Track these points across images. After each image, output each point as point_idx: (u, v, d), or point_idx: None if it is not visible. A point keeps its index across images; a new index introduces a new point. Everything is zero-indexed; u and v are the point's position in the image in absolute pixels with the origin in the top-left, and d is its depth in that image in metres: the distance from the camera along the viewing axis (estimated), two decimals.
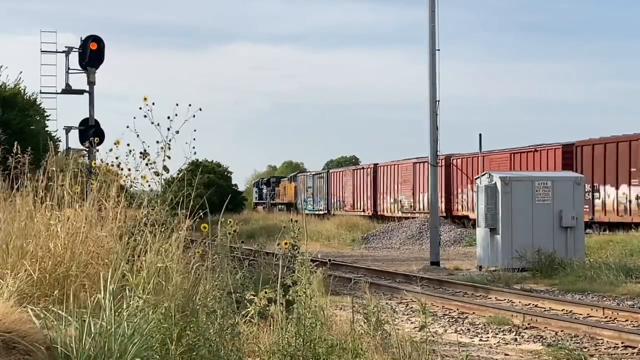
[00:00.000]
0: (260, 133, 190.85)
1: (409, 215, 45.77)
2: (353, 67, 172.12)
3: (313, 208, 60.90)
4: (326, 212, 57.57)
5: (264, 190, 78.38)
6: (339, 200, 57.09)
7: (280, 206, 71.95)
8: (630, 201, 32.23)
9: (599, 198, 33.91)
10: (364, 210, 52.42)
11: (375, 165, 52.67)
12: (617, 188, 32.96)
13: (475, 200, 25.52)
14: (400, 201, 48.56)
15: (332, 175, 59.73)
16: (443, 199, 40.91)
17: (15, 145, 8.78)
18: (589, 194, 32.81)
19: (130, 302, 5.96)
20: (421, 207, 45.46)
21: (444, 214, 41.77)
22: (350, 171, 57.09)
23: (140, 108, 7.30)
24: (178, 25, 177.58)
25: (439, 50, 26.98)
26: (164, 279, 6.50)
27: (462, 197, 42.89)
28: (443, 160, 41.00)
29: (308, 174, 67.27)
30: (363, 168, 55.04)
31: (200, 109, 7.29)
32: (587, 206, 29.68)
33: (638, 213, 31.62)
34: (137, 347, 5.50)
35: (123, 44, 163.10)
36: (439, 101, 26.91)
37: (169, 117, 7.28)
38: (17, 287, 6.88)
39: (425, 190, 42.51)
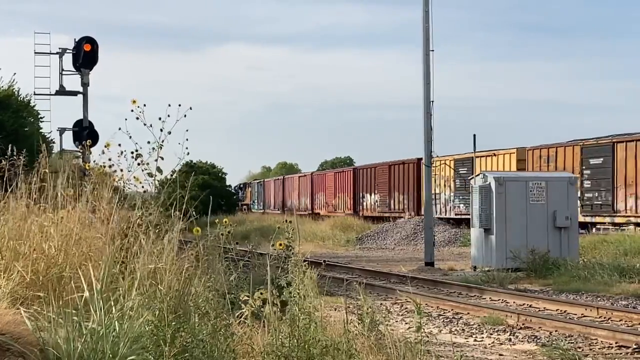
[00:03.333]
0: (255, 134, 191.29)
1: (301, 212, 60.31)
2: (348, 68, 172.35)
3: (256, 208, 77.40)
4: (262, 210, 73.52)
5: (240, 193, 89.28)
6: (268, 202, 74.39)
7: (244, 207, 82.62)
8: None
9: None
10: (278, 209, 69.33)
11: (284, 177, 73.32)
12: None
13: (470, 201, 25.54)
14: (290, 202, 67.26)
15: (265, 183, 77.96)
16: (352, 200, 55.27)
17: (10, 147, 8.77)
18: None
19: (124, 304, 5.95)
20: (302, 207, 63.23)
21: (351, 212, 53.77)
22: (272, 181, 76.04)
23: (132, 110, 7.29)
24: (173, 26, 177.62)
25: (433, 50, 27.00)
26: (156, 280, 6.49)
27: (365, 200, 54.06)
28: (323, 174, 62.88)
29: (256, 181, 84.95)
30: (278, 179, 74.34)
31: (191, 108, 7.29)
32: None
33: None
34: (130, 348, 5.49)
35: (117, 45, 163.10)
36: (433, 102, 26.92)
37: (160, 118, 7.27)
38: (11, 288, 6.87)
39: (303, 196, 64.15)
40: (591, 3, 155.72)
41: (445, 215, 42.62)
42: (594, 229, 31.15)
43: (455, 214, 41.49)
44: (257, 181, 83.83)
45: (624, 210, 30.67)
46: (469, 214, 34.37)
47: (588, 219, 31.85)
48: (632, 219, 30.11)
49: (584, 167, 32.60)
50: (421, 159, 47.94)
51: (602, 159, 31.83)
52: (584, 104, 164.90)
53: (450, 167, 41.27)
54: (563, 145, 34.45)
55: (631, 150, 30.41)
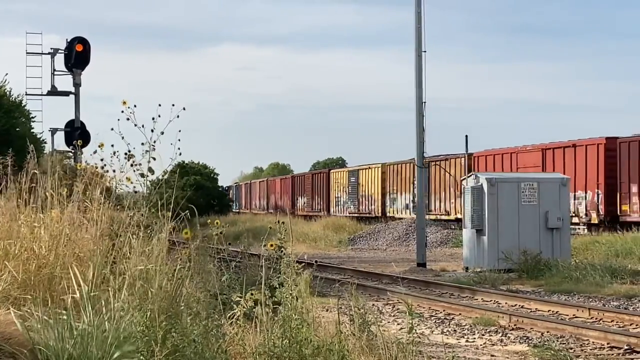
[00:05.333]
0: (248, 134, 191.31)
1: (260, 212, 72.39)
2: (340, 69, 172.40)
3: (234, 208, 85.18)
4: (238, 210, 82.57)
5: None
6: (241, 203, 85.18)
7: None
8: None
9: None
10: (247, 209, 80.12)
11: (252, 182, 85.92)
12: None
13: (462, 201, 25.57)
14: (254, 203, 79.18)
15: (240, 186, 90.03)
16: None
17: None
18: None
19: (114, 305, 5.93)
20: (261, 207, 75.72)
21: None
22: (243, 184, 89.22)
23: (122, 111, 7.27)
24: (165, 27, 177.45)
25: (425, 51, 26.99)
26: (147, 281, 6.47)
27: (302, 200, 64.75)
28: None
29: (234, 184, 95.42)
30: (247, 183, 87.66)
31: (184, 108, 7.27)
32: None
33: None
34: (120, 348, 5.47)
35: (109, 46, 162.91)
36: (425, 103, 26.92)
37: (153, 119, 7.25)
38: (1, 288, 6.84)
39: (262, 198, 76.55)
40: (582, 5, 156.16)
41: (343, 214, 54.12)
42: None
43: (349, 213, 53.09)
44: (235, 184, 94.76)
45: (434, 209, 43.45)
46: (357, 212, 51.94)
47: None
48: (439, 216, 42.95)
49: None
50: (331, 169, 60.56)
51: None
52: (576, 105, 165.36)
53: (345, 177, 55.01)
54: (406, 162, 45.51)
55: (434, 168, 42.43)
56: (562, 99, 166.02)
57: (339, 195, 55.87)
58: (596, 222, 33.25)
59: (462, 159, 40.80)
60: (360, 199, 52.13)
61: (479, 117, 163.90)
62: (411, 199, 44.78)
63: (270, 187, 74.16)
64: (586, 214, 33.73)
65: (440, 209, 43.23)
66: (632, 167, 31.55)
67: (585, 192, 33.70)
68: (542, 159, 35.41)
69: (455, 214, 40.53)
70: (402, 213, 46.23)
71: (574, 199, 32.99)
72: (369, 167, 51.28)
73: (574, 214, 32.25)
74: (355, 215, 51.55)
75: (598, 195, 33.16)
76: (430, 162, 40.52)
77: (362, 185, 51.78)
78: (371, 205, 50.59)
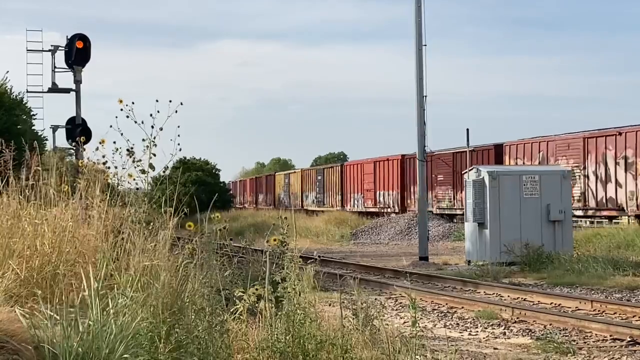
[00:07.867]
0: (249, 130, 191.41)
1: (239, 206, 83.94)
2: (339, 64, 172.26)
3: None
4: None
5: None
6: (237, 198, 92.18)
7: None
8: None
9: None
10: (248, 203, 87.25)
11: (233, 181, 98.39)
12: None
13: (464, 195, 25.56)
14: (237, 199, 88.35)
15: (235, 183, 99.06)
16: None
17: (1, 144, 8.73)
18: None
19: (118, 301, 5.94)
20: (239, 202, 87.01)
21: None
22: (232, 182, 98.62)
23: (122, 109, 7.26)
24: (165, 23, 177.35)
25: (425, 45, 27.00)
26: (151, 277, 6.47)
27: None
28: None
29: (231, 180, 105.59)
30: (234, 182, 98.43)
31: (182, 103, 7.26)
32: None
33: None
34: (125, 345, 5.48)
35: (110, 43, 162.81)
36: (426, 96, 26.91)
37: (151, 115, 7.25)
38: (5, 286, 6.85)
39: (240, 195, 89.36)
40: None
41: (282, 207, 64.45)
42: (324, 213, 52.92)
43: (285, 207, 63.90)
44: (228, 182, 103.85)
45: (329, 204, 57.04)
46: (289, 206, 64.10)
47: (318, 208, 57.56)
48: (333, 208, 54.86)
49: (316, 181, 59.76)
50: (276, 172, 76.08)
51: (320, 177, 59.20)
52: (574, 98, 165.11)
53: (282, 179, 69.96)
54: (312, 169, 62.44)
55: (327, 172, 58.48)
56: (558, 91, 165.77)
57: (279, 193, 71.47)
58: (397, 211, 46.66)
59: (339, 167, 57.43)
60: (290, 196, 67.06)
61: (478, 110, 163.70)
62: (315, 195, 60.95)
63: (246, 185, 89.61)
64: (392, 206, 47.76)
65: (329, 204, 57.22)
66: (412, 175, 42.69)
67: (392, 191, 47.99)
68: (373, 169, 49.78)
69: (336, 206, 55.37)
70: (310, 206, 60.86)
71: (385, 196, 48.47)
72: (294, 172, 69.22)
73: (387, 206, 48.08)
74: (287, 208, 63.80)
75: (398, 193, 47.30)
76: (324, 169, 60.06)
77: (291, 185, 67.17)
78: (295, 200, 65.34)
